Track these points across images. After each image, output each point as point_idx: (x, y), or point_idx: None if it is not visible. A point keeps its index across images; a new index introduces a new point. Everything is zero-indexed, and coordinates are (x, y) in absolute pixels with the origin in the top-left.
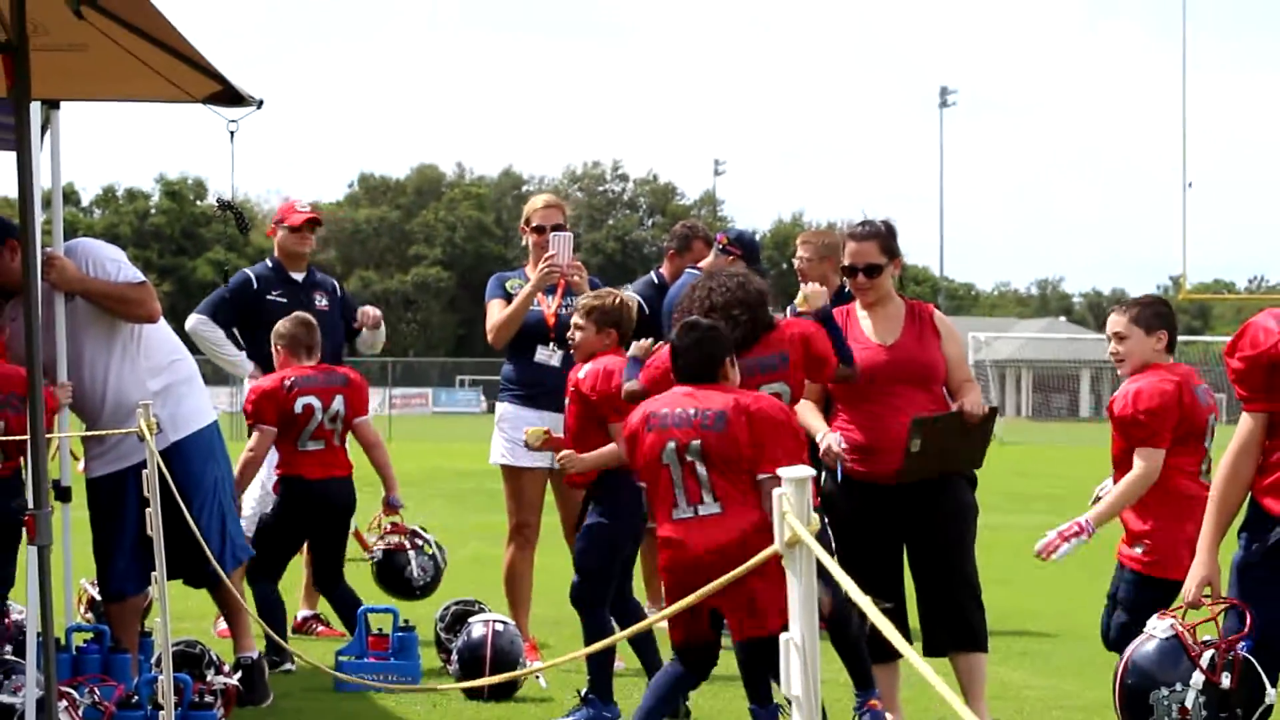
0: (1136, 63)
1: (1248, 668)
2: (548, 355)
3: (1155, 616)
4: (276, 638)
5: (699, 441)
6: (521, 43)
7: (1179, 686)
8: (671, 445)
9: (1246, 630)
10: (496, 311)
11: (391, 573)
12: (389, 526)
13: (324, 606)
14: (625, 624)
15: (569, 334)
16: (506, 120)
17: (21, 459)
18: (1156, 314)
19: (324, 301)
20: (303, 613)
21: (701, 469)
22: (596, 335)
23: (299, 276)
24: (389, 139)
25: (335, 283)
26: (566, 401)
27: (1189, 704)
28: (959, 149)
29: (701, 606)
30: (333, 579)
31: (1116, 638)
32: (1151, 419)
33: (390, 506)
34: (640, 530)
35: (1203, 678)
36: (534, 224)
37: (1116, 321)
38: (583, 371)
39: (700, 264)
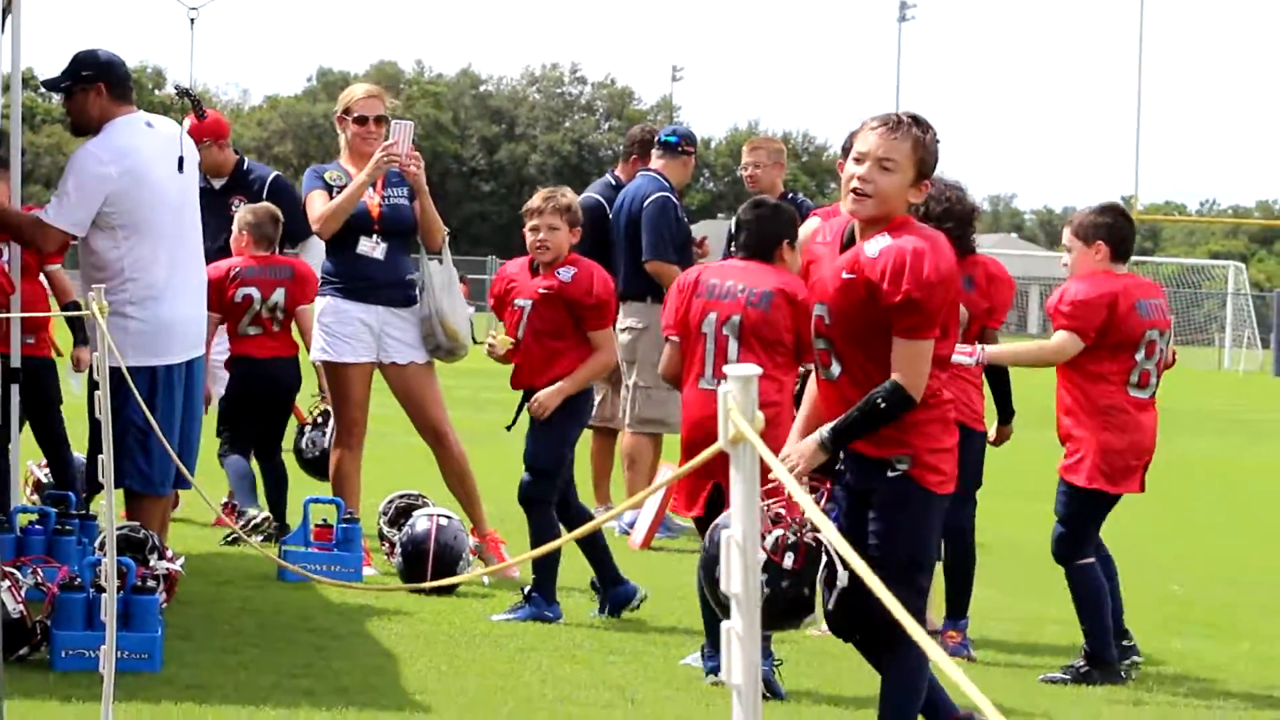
0: None
1: (812, 553)
2: (370, 247)
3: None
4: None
5: (739, 317)
6: None
7: None
8: (713, 316)
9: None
10: (320, 202)
11: (296, 441)
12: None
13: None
14: (572, 528)
15: (535, 238)
16: (467, 20)
17: None
18: (1095, 225)
19: (239, 207)
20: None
21: (733, 344)
22: (569, 234)
23: (219, 184)
24: (349, 34)
25: (267, 179)
26: (527, 303)
27: None
28: (916, 64)
29: (708, 478)
30: (270, 449)
31: (1055, 551)
32: (1074, 308)
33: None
34: (583, 427)
35: (764, 556)
36: (355, 114)
37: (1065, 234)
38: (568, 275)
39: (652, 166)
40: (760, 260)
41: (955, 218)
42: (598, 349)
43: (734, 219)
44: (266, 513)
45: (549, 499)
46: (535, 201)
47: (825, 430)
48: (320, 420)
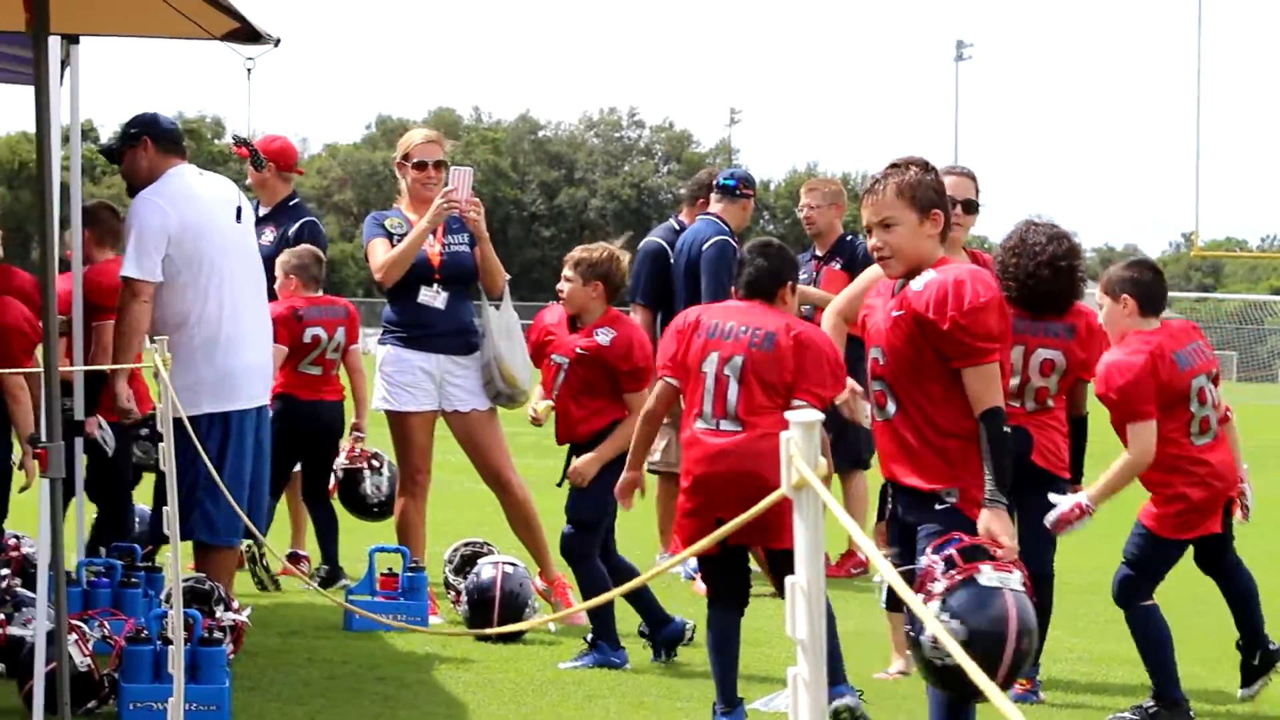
0: (1153, 17)
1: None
2: (431, 296)
3: (990, 567)
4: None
5: (741, 358)
6: None
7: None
8: (715, 355)
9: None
10: (382, 250)
11: (349, 490)
12: (350, 448)
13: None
14: (615, 578)
15: (558, 286)
16: (524, 65)
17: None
18: (1120, 280)
19: (267, 238)
20: (288, 550)
21: (734, 385)
22: (583, 288)
23: (262, 212)
24: (407, 81)
25: (302, 222)
26: (564, 360)
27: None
28: (974, 102)
29: (709, 516)
30: (318, 493)
31: (1116, 593)
32: (1126, 396)
33: (356, 430)
34: None
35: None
36: (414, 160)
37: (1096, 291)
38: (607, 338)
39: (711, 210)
40: (762, 301)
41: (1054, 264)
42: (632, 412)
43: (737, 258)
44: (265, 578)
45: (591, 552)
46: None
47: (989, 495)
48: (374, 464)
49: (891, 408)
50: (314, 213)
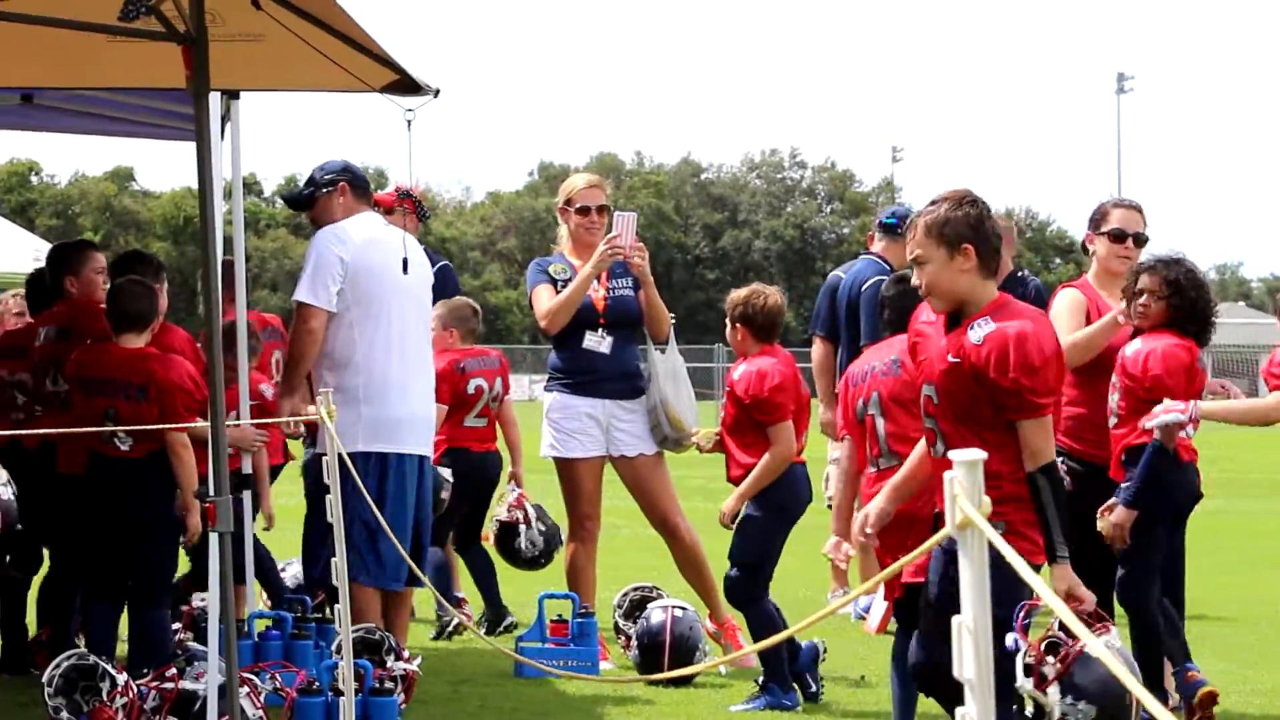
0: None
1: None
2: (596, 341)
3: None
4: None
5: (876, 392)
6: (700, 30)
7: None
8: (860, 402)
9: None
10: (547, 296)
11: (505, 541)
12: (515, 499)
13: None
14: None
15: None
16: (685, 108)
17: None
18: None
19: None
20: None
21: (880, 421)
22: (731, 332)
23: None
24: (568, 127)
25: (439, 266)
26: (725, 399)
27: None
28: (1136, 134)
29: (887, 556)
30: (471, 539)
31: None
32: None
33: (515, 480)
34: (795, 518)
35: None
36: (577, 205)
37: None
38: (737, 373)
39: (873, 249)
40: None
41: (1200, 318)
42: (772, 444)
43: (876, 299)
44: (460, 617)
45: (756, 595)
46: None
47: (1060, 551)
48: (535, 516)
49: (940, 447)
50: (476, 260)
